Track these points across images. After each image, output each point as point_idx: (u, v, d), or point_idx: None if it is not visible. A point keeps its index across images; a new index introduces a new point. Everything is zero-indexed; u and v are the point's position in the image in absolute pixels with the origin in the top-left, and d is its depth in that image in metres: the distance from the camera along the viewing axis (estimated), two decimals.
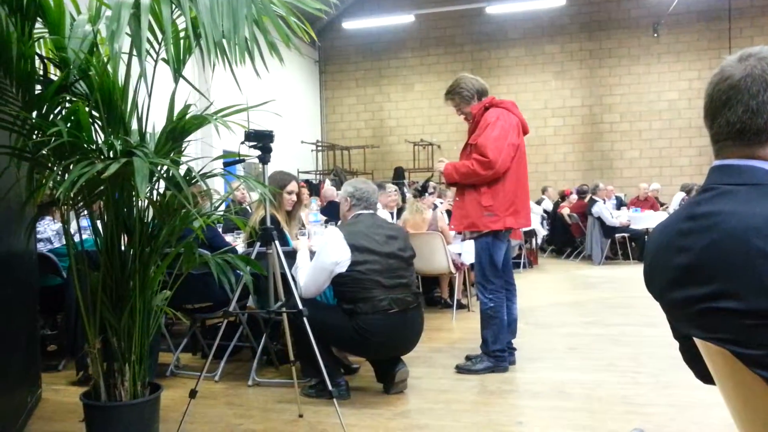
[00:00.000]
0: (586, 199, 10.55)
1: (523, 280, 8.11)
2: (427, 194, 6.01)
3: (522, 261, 9.27)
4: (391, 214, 6.79)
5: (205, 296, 3.95)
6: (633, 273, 8.83)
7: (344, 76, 15.95)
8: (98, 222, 2.48)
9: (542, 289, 7.61)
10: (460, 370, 3.86)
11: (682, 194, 11.20)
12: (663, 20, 13.67)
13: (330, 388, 2.96)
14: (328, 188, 8.71)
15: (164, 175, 2.31)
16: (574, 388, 3.57)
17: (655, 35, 13.88)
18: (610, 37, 14.41)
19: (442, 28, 14.88)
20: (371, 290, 3.29)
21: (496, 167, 3.64)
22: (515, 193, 3.76)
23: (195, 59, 2.76)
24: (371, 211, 3.56)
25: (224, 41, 2.22)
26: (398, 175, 14.27)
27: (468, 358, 4.02)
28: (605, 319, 5.69)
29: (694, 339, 1.15)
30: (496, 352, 3.82)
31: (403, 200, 8.08)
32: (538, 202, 12.03)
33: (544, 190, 12.63)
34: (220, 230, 5.01)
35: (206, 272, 2.99)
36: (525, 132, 3.89)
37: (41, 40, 2.42)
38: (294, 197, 4.08)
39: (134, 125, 2.44)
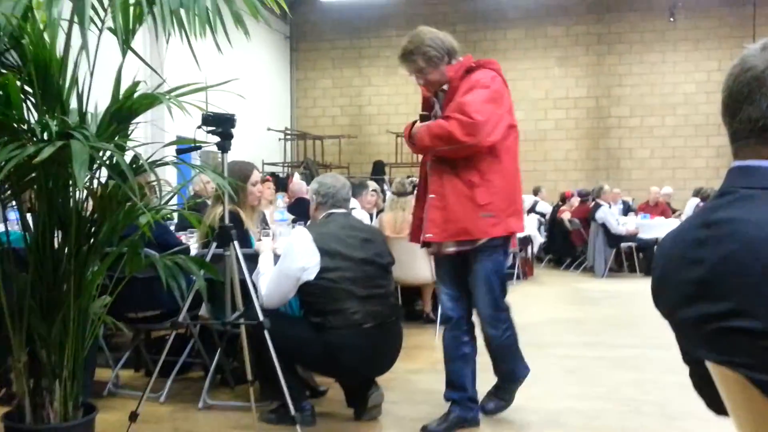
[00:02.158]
0: (590, 203, 10.66)
1: (516, 293, 8.13)
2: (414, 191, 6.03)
3: (516, 271, 9.33)
4: (371, 216, 6.80)
5: (151, 304, 3.92)
6: (640, 287, 8.92)
7: (319, 55, 15.93)
8: (28, 215, 2.45)
9: (537, 304, 7.66)
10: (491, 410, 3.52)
11: (697, 200, 11.38)
12: (680, 2, 13.87)
13: (293, 412, 2.95)
14: (297, 183, 8.69)
15: (107, 162, 2.30)
16: (570, 418, 3.61)
17: (672, 19, 14.08)
18: (621, 20, 14.60)
19: (432, 5, 14.95)
20: (343, 301, 3.29)
21: (481, 135, 3.07)
22: (515, 187, 3.30)
23: (147, 29, 2.74)
24: (344, 211, 3.56)
25: (181, 10, 2.21)
26: (378, 170, 14.25)
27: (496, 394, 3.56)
28: (607, 339, 5.75)
29: (707, 363, 1.16)
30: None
31: (385, 200, 8.08)
32: (532, 206, 12.12)
33: (536, 191, 12.70)
34: (171, 228, 4.98)
35: (153, 276, 2.97)
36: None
37: None
38: (260, 187, 4.05)
39: (73, 103, 2.42)
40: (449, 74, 3.24)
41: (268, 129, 14.19)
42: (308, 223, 4.37)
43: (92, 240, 2.45)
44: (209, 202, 5.96)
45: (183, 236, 4.75)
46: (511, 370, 3.49)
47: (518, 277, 9.44)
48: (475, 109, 3.07)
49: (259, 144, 13.52)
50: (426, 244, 3.35)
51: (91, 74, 2.40)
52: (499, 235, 3.21)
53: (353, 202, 6.12)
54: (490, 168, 3.19)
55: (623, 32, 14.62)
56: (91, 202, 2.49)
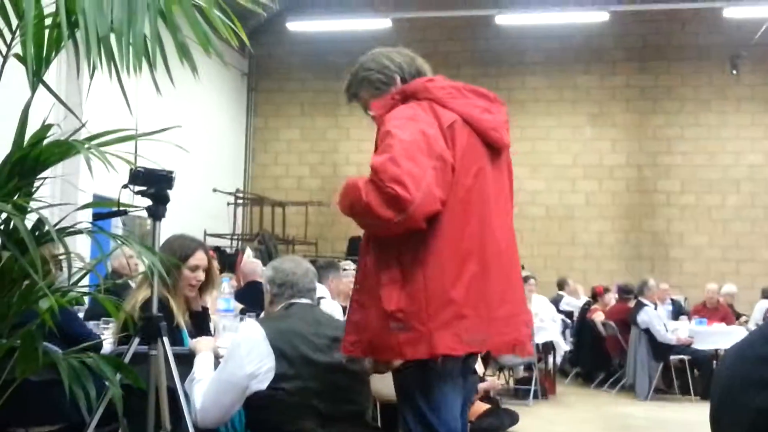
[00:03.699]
0: (630, 302, 10.70)
1: (532, 416, 8.06)
2: None
3: (532, 388, 9.26)
4: (344, 308, 6.76)
5: (49, 417, 3.86)
6: (695, 415, 8.85)
7: (284, 98, 16.21)
8: None
9: (560, 431, 7.58)
10: None
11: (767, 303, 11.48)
12: (745, 52, 14.26)
13: None
14: (249, 262, 8.68)
15: (1, 227, 2.29)
16: None
17: (734, 72, 14.48)
18: (670, 70, 15.02)
19: (432, 41, 15.19)
20: (302, 420, 3.24)
21: (412, 207, 2.66)
22: (464, 268, 2.81)
23: (64, 60, 2.78)
24: (309, 301, 3.56)
25: (112, 36, 2.25)
26: (355, 249, 14.29)
27: None
28: None
29: None
30: None
31: None
32: (555, 302, 12.12)
33: (561, 285, 12.76)
34: (81, 315, 4.92)
35: (53, 380, 2.91)
36: (495, 144, 2.99)
37: None
38: (201, 275, 4.05)
39: None
40: (374, 108, 3.02)
41: (215, 190, 14.30)
42: (262, 315, 4.33)
43: None
44: (132, 283, 5.93)
45: (94, 327, 4.71)
46: None
47: (536, 396, 9.34)
48: (390, 174, 2.66)
49: (201, 209, 13.54)
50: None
51: None
52: (418, 357, 2.76)
53: (321, 289, 6.10)
54: (413, 247, 2.78)
55: (673, 86, 15.01)
56: None
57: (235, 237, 14.81)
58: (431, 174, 2.71)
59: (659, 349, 10.04)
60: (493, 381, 8.26)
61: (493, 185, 2.96)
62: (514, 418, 7.26)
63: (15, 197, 2.41)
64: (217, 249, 12.34)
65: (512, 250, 3.06)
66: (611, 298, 11.59)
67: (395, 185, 2.64)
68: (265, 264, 6.76)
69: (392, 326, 2.75)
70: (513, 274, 3.02)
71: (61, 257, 2.96)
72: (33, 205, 2.50)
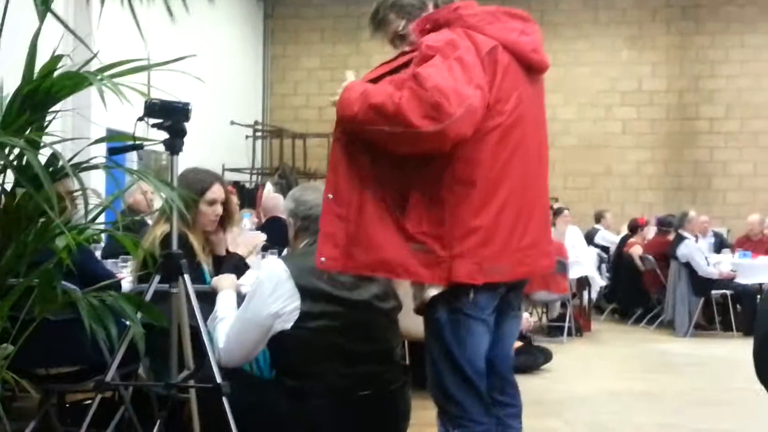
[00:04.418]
0: (669, 235, 10.66)
1: (566, 354, 8.11)
2: None
3: (567, 325, 9.31)
4: None
5: (68, 357, 3.91)
6: (737, 352, 8.86)
7: (302, 25, 16.06)
8: None
9: (595, 370, 7.62)
10: None
11: None
12: None
13: None
14: (271, 197, 8.71)
15: (14, 163, 2.31)
16: None
17: None
18: None
19: None
20: (328, 360, 3.28)
21: (449, 121, 2.64)
22: (493, 196, 2.84)
23: None
24: None
25: None
26: None
27: None
28: (690, 421, 5.70)
29: None
30: None
31: None
32: (590, 236, 12.10)
33: (599, 217, 12.74)
34: (97, 254, 4.98)
35: (72, 319, 2.96)
36: (535, 66, 2.99)
37: None
38: (218, 209, 4.08)
39: None
40: (414, 30, 2.98)
41: (232, 123, 14.24)
42: (285, 252, 4.36)
43: None
44: (149, 220, 5.99)
45: (112, 266, 4.77)
46: None
47: (570, 334, 9.40)
48: (436, 83, 2.63)
49: (218, 143, 13.52)
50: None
51: None
52: (435, 282, 2.82)
53: None
54: (440, 170, 2.80)
55: (717, 4, 14.70)
56: None
57: (255, 171, 14.82)
58: (475, 97, 2.70)
59: (700, 284, 10.03)
60: (526, 317, 8.30)
61: (531, 112, 2.95)
62: (547, 356, 7.33)
63: (27, 132, 2.42)
64: (236, 184, 12.36)
65: (543, 179, 3.07)
66: (650, 231, 11.54)
67: (438, 94, 2.62)
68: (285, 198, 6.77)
69: (413, 247, 2.79)
70: (539, 203, 3.04)
71: (76, 194, 2.97)
72: (46, 139, 2.50)
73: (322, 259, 2.90)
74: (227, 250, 4.30)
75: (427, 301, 2.89)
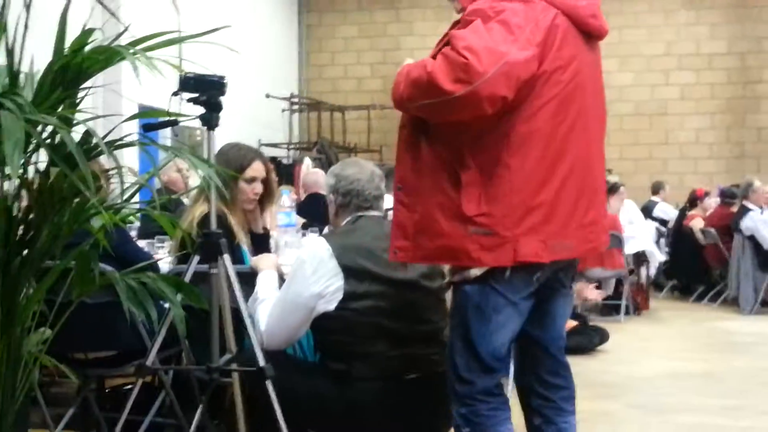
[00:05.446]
0: (733, 207, 10.54)
1: (623, 333, 8.08)
2: None
3: (624, 303, 9.26)
4: None
5: (107, 341, 3.95)
6: None
7: None
8: None
9: (655, 351, 7.58)
10: None
11: None
12: None
13: None
14: (311, 173, 8.76)
15: (47, 142, 2.33)
16: None
17: None
18: None
19: None
20: (374, 341, 3.30)
21: (480, 81, 2.61)
22: (554, 171, 2.84)
23: None
24: (377, 213, 3.58)
25: None
26: None
27: None
28: (757, 402, 5.67)
29: None
30: None
31: None
32: (647, 209, 11.98)
33: (656, 189, 12.59)
34: (133, 235, 5.04)
35: (110, 302, 3.01)
36: (594, 33, 2.96)
37: None
38: (258, 188, 4.10)
39: (0, 59, 2.47)
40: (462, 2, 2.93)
41: (267, 96, 14.27)
42: (326, 230, 4.39)
43: (26, 250, 2.48)
44: (186, 200, 6.05)
45: (148, 247, 4.83)
46: None
47: (627, 312, 9.35)
48: (467, 43, 2.63)
49: (253, 117, 13.56)
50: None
51: (26, 18, 2.45)
52: (500, 264, 2.81)
53: (388, 200, 6.15)
54: (494, 144, 2.78)
55: None
56: (25, 198, 2.53)
57: (292, 146, 14.86)
58: (516, 54, 2.66)
59: (766, 258, 9.93)
60: (583, 288, 8.23)
61: (590, 81, 2.95)
62: (603, 336, 7.29)
63: (60, 109, 2.43)
64: (273, 160, 12.41)
65: (601, 150, 3.08)
66: (711, 202, 11.41)
67: (468, 53, 2.61)
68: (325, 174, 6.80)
69: (471, 231, 2.78)
70: (600, 177, 3.05)
71: (111, 172, 3.00)
72: (78, 117, 2.51)
73: (395, 251, 2.97)
74: (264, 228, 4.34)
75: (469, 279, 2.90)
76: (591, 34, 2.94)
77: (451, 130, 2.83)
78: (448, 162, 2.85)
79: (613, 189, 10.10)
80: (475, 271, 2.86)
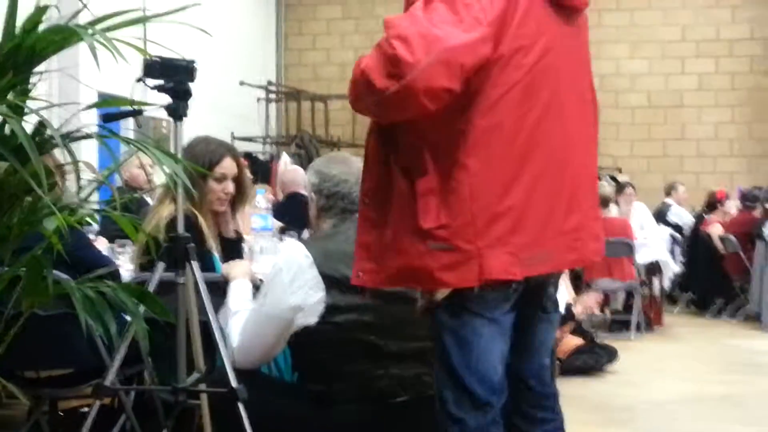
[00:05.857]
0: (755, 211, 10.57)
1: (634, 352, 8.10)
2: None
3: (634, 318, 9.29)
4: None
5: (61, 357, 3.95)
6: None
7: None
8: None
9: (668, 372, 7.61)
10: None
11: None
12: None
13: None
14: (289, 170, 8.75)
15: None
16: None
17: None
18: None
19: None
20: (359, 360, 3.30)
21: (412, 74, 2.48)
22: (522, 170, 2.69)
23: None
24: None
25: None
26: None
27: None
28: None
29: None
30: None
31: None
32: (661, 213, 12.00)
33: (670, 190, 12.60)
34: (92, 238, 5.01)
35: (64, 314, 2.99)
36: (569, 5, 2.81)
37: None
38: (229, 187, 4.09)
39: None
40: None
41: (242, 83, 14.28)
42: (305, 234, 4.37)
43: None
44: (149, 199, 6.01)
45: (108, 252, 4.80)
46: None
47: (639, 329, 9.39)
48: (398, 30, 2.53)
49: (225, 107, 13.56)
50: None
51: None
52: (465, 285, 2.67)
53: None
54: (451, 145, 2.65)
55: None
56: None
57: (269, 140, 14.87)
58: (455, 37, 2.51)
59: None
60: (587, 299, 8.20)
61: (566, 63, 2.81)
62: (612, 355, 7.31)
63: (8, 96, 2.43)
64: (247, 155, 12.41)
65: (589, 144, 2.95)
66: (732, 206, 11.44)
67: (398, 42, 2.50)
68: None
69: (431, 246, 2.64)
70: (586, 174, 2.92)
71: (66, 168, 2.98)
72: (30, 105, 2.51)
73: (358, 273, 2.86)
74: (236, 232, 4.32)
75: (438, 302, 2.78)
76: (564, 6, 2.79)
77: (413, 133, 2.71)
78: (409, 170, 2.72)
79: (620, 188, 10.12)
80: (442, 293, 2.75)
